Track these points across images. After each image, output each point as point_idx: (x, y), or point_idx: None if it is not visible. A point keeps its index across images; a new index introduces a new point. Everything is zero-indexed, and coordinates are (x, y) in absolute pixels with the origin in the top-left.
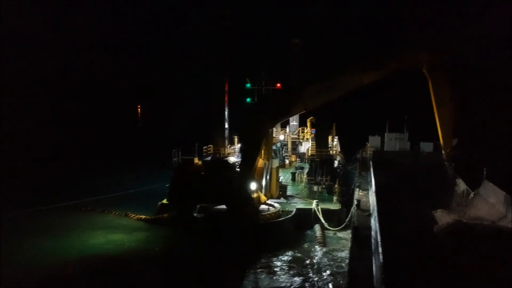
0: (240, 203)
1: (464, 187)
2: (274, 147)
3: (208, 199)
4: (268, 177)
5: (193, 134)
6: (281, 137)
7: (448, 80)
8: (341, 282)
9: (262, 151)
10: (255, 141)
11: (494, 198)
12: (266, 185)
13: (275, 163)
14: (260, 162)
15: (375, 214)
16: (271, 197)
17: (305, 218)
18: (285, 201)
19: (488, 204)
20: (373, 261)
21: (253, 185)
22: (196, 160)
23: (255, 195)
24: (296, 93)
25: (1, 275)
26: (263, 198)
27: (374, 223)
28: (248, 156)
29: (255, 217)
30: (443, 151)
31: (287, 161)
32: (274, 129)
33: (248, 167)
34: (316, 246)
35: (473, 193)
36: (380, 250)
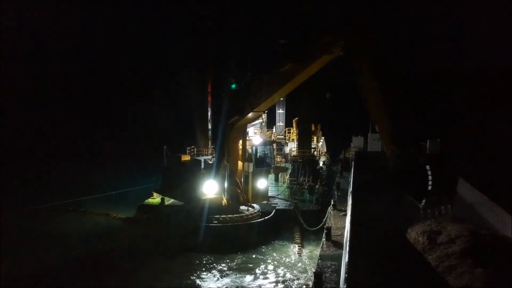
0: (187, 202)
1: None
2: (250, 150)
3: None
4: (242, 180)
5: (182, 134)
6: (256, 140)
7: (367, 68)
8: (310, 282)
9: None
10: (219, 143)
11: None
12: (228, 188)
13: (250, 167)
14: (239, 165)
15: (349, 213)
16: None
17: (285, 219)
18: (265, 202)
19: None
20: (342, 261)
21: (211, 186)
22: (186, 157)
23: (212, 196)
24: (245, 92)
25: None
26: (224, 201)
27: (347, 222)
28: (217, 157)
29: (199, 218)
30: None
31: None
32: (259, 130)
33: (216, 168)
34: (292, 247)
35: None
36: (347, 249)
